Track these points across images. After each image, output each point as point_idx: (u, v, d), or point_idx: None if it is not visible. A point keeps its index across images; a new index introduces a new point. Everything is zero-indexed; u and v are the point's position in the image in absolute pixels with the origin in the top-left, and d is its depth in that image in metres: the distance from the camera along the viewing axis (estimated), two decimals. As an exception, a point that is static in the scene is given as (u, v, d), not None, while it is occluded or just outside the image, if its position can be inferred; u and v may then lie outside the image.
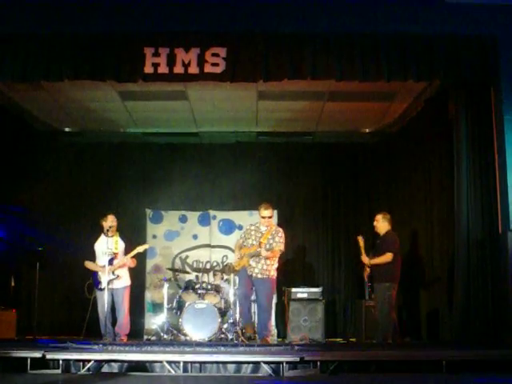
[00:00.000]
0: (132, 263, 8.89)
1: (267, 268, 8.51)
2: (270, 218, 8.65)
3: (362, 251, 8.99)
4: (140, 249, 8.82)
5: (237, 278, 9.51)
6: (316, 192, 12.14)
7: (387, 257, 8.66)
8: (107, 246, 8.69)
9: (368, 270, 8.95)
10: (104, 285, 8.63)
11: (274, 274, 8.59)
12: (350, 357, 6.66)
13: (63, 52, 8.08)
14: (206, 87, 9.16)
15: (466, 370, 6.34)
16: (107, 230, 8.79)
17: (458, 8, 8.21)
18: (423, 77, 8.29)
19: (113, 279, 8.64)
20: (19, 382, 5.99)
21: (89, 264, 8.92)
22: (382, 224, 8.97)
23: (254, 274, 8.50)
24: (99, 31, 8.18)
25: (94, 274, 8.83)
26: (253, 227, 8.74)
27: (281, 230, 8.74)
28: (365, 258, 8.93)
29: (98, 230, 9.07)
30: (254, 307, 9.31)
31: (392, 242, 8.80)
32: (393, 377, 6.21)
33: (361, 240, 9.05)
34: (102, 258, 8.76)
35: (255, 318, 8.93)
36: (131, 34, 8.18)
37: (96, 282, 8.75)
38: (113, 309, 8.81)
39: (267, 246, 8.44)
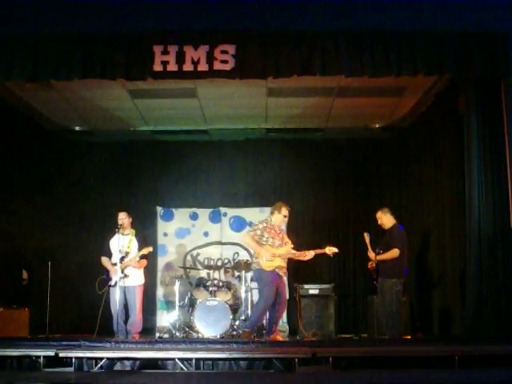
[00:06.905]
0: (138, 264, 8.85)
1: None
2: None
3: (369, 247, 8.95)
4: (144, 251, 8.81)
5: (248, 275, 9.55)
6: (326, 188, 12.13)
7: (394, 252, 8.64)
8: (120, 243, 8.74)
9: (374, 265, 8.90)
10: (113, 282, 8.69)
11: None
12: (362, 353, 6.65)
13: (73, 51, 8.11)
14: (215, 84, 9.15)
15: (478, 366, 6.32)
16: (118, 228, 8.82)
17: (468, 3, 8.19)
18: (433, 71, 8.27)
19: (121, 277, 8.67)
20: (33, 380, 6.01)
21: (104, 260, 8.98)
22: (385, 220, 8.96)
23: (283, 274, 8.56)
24: (108, 30, 8.22)
25: (107, 270, 8.88)
26: (269, 226, 8.58)
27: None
28: (371, 254, 8.89)
29: (109, 228, 9.12)
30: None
31: (399, 236, 8.78)
32: (405, 372, 6.20)
33: (366, 236, 8.99)
34: (115, 255, 8.81)
35: (267, 316, 8.87)
36: (140, 33, 8.21)
37: (107, 279, 8.80)
38: (125, 307, 8.85)
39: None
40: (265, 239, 8.47)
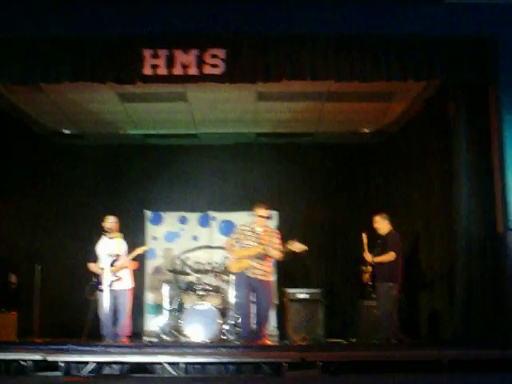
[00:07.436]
0: (133, 265, 8.88)
1: (268, 270, 8.52)
2: (267, 218, 8.65)
3: (366, 248, 8.92)
4: (139, 250, 8.81)
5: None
6: (316, 192, 12.13)
7: (390, 255, 8.63)
8: (109, 247, 8.71)
9: (370, 268, 8.87)
10: (105, 286, 8.64)
11: (271, 277, 8.61)
12: (351, 357, 6.66)
13: (62, 54, 8.08)
14: (205, 88, 9.15)
15: (466, 370, 6.34)
16: (106, 232, 8.80)
17: (458, 7, 8.22)
18: (422, 76, 8.29)
19: (114, 280, 8.65)
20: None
21: (91, 266, 8.92)
22: (382, 224, 8.95)
23: (256, 276, 8.40)
24: (98, 33, 8.18)
25: (97, 274, 8.84)
26: (247, 227, 8.60)
27: (277, 231, 8.74)
28: (368, 255, 8.87)
29: (99, 232, 9.08)
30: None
31: (395, 241, 8.79)
32: (393, 377, 6.21)
33: (365, 237, 8.95)
34: (104, 260, 8.78)
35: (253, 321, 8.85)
36: (130, 36, 8.17)
37: (98, 283, 8.75)
38: (114, 310, 8.81)
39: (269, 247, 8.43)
40: (240, 242, 8.53)
